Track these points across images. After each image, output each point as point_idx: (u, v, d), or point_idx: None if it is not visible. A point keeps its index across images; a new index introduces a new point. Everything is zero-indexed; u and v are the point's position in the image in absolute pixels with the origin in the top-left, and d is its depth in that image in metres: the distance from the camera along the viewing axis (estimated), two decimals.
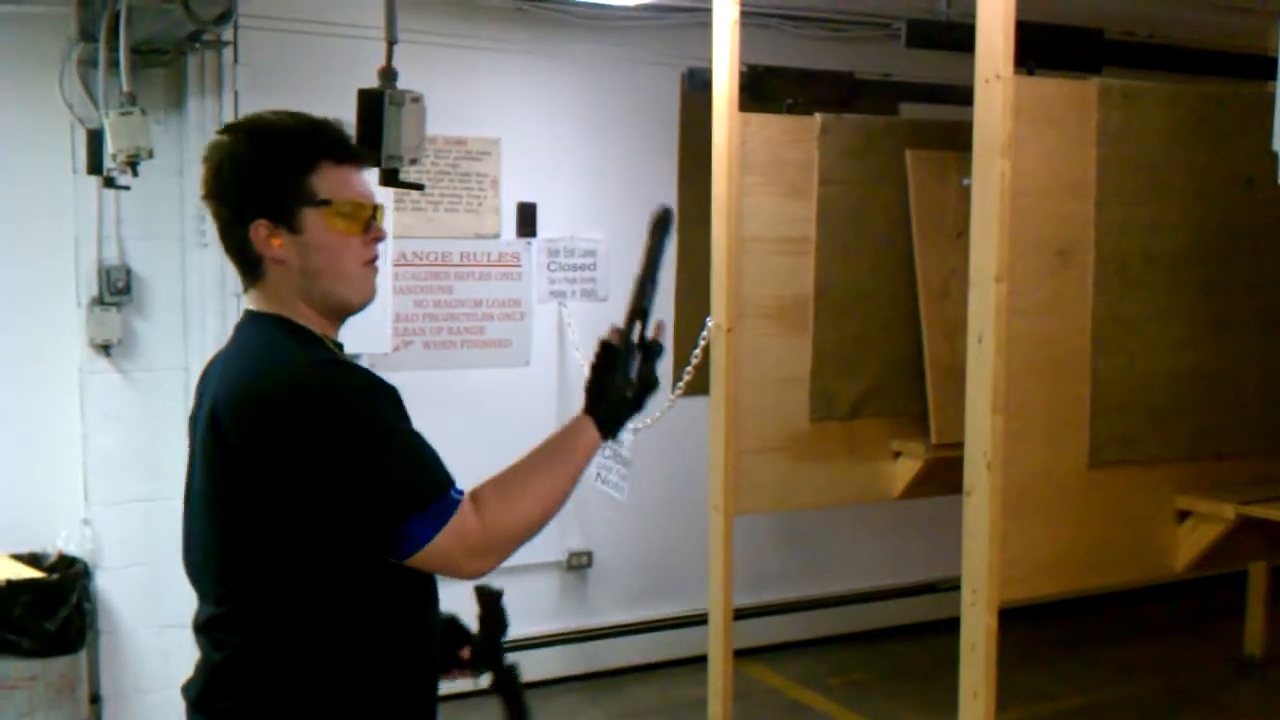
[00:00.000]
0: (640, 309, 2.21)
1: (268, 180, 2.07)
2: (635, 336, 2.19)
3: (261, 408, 1.97)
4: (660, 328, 2.22)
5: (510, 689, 2.38)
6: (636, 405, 2.19)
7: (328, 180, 2.09)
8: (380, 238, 2.15)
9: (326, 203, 2.08)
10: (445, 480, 2.00)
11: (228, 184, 2.09)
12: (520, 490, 2.05)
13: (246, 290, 2.16)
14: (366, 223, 2.12)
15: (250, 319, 2.14)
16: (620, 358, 2.17)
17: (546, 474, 2.08)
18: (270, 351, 2.04)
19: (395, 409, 2.04)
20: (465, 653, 2.36)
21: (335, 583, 2.02)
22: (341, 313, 2.16)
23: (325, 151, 2.11)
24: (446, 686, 2.28)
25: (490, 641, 2.36)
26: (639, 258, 2.24)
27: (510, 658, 2.37)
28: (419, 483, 1.97)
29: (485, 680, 2.39)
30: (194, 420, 2.17)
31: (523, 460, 2.10)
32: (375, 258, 2.16)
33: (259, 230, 2.06)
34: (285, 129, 2.11)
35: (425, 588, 2.13)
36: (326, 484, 1.95)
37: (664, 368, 5.94)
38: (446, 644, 2.33)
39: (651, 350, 2.21)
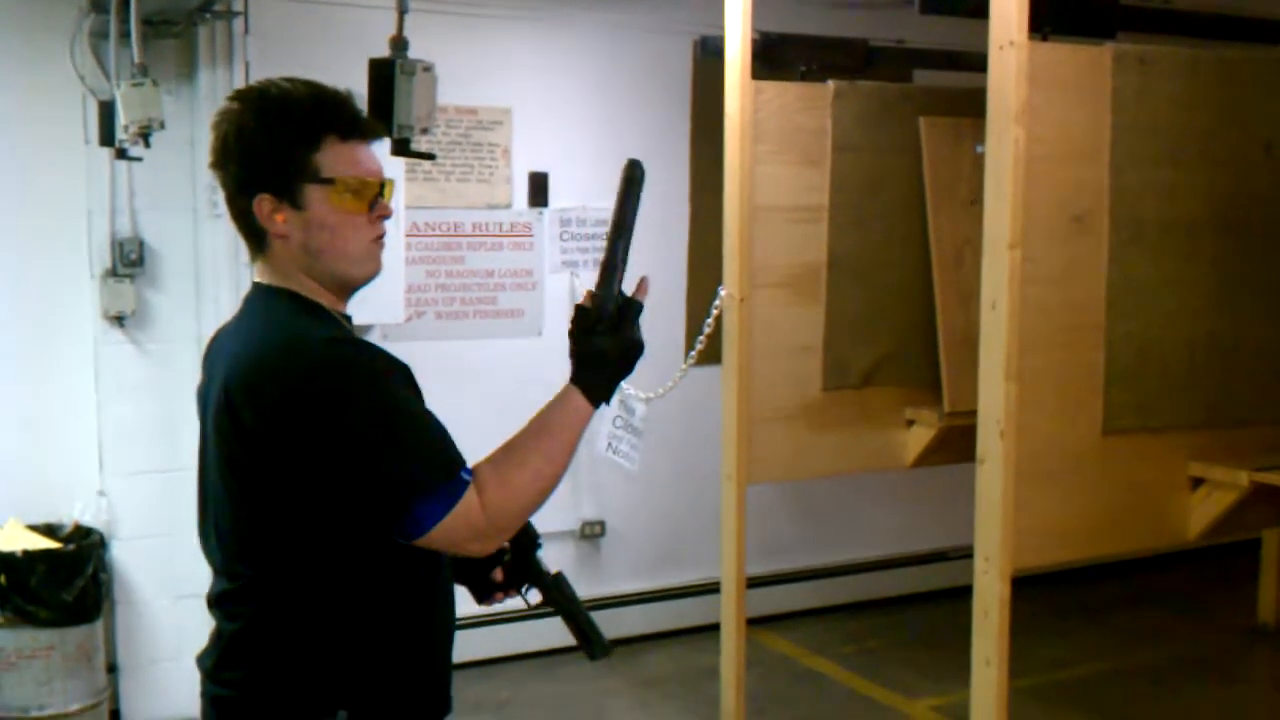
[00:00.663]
0: (612, 267, 2.09)
1: (272, 155, 2.05)
2: (612, 296, 2.09)
3: (274, 386, 1.96)
4: (643, 285, 2.13)
5: (561, 597, 2.36)
6: (622, 368, 2.09)
7: (333, 157, 2.07)
8: (386, 215, 2.13)
9: (330, 181, 2.06)
10: (454, 461, 1.99)
11: (234, 155, 2.07)
12: (517, 470, 2.02)
13: (253, 260, 2.15)
14: (372, 200, 2.10)
15: (259, 292, 2.13)
16: (597, 320, 2.07)
17: (541, 450, 2.04)
18: (281, 328, 2.04)
19: (407, 387, 2.03)
20: (498, 574, 2.36)
21: (346, 556, 2.03)
22: (346, 288, 2.15)
23: (332, 127, 2.08)
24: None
25: (522, 556, 2.35)
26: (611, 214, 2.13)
27: (551, 566, 2.35)
28: (429, 464, 1.96)
29: (534, 597, 2.39)
30: (203, 394, 2.17)
31: (517, 437, 2.07)
32: (382, 235, 2.14)
33: (262, 205, 2.05)
34: (293, 102, 2.07)
35: (435, 559, 2.13)
36: (337, 464, 1.95)
37: (677, 337, 5.98)
38: (479, 570, 2.34)
39: (629, 308, 2.09)
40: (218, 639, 2.12)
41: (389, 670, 2.08)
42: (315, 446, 1.94)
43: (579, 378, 2.08)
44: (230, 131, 2.07)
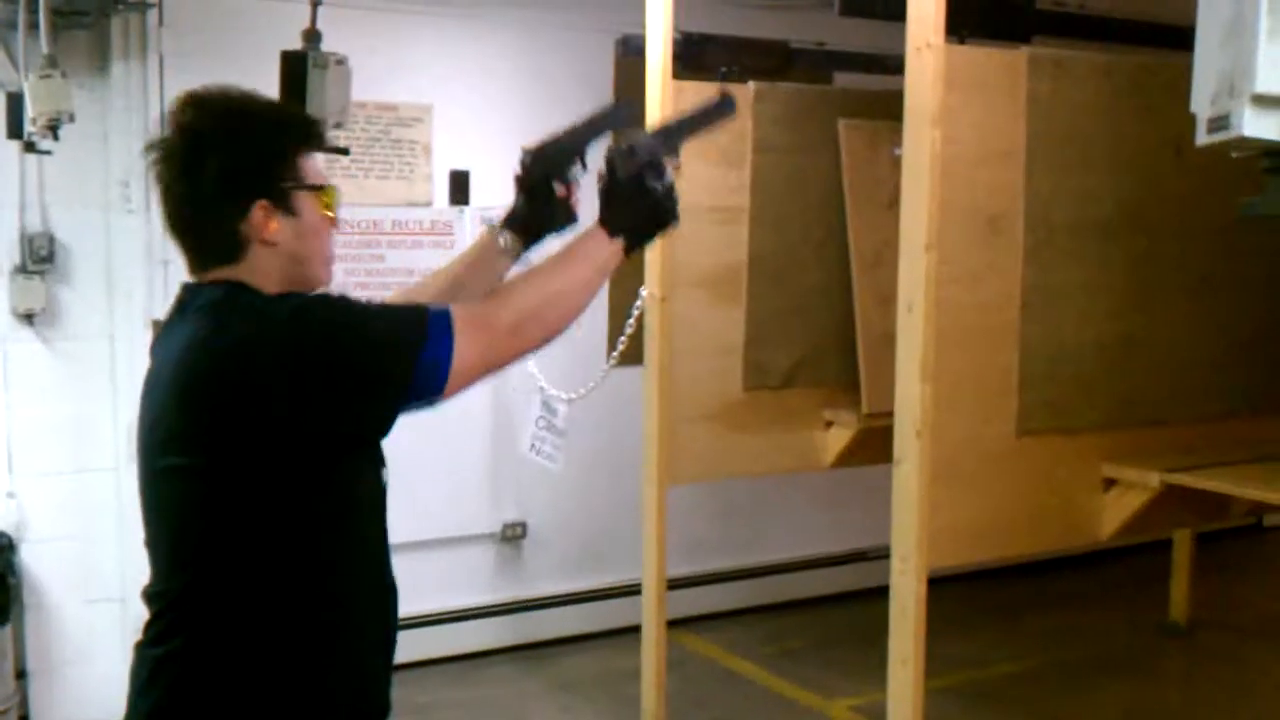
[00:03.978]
0: (679, 128, 2.26)
1: (271, 162, 2.04)
2: (661, 148, 2.19)
3: (238, 356, 1.91)
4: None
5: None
6: (656, 217, 2.22)
7: (309, 165, 2.10)
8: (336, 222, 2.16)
9: (320, 188, 2.09)
10: (423, 309, 2.01)
11: (219, 162, 2.00)
12: (521, 284, 2.11)
13: (205, 269, 2.05)
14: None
15: (203, 286, 2.05)
16: (637, 162, 2.19)
17: (549, 271, 2.11)
18: (232, 307, 1.97)
19: (354, 303, 2.03)
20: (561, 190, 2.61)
21: (274, 571, 1.96)
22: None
23: (311, 138, 2.13)
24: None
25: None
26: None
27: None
28: (407, 319, 1.99)
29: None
30: (146, 397, 2.07)
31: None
32: None
33: (258, 213, 2.01)
34: (276, 111, 2.12)
35: (378, 563, 2.12)
36: (336, 385, 1.91)
37: (599, 338, 5.96)
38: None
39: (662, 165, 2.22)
40: (139, 652, 2.04)
41: (315, 687, 2.03)
42: (304, 383, 1.89)
43: (606, 218, 2.20)
44: (212, 138, 2.01)
